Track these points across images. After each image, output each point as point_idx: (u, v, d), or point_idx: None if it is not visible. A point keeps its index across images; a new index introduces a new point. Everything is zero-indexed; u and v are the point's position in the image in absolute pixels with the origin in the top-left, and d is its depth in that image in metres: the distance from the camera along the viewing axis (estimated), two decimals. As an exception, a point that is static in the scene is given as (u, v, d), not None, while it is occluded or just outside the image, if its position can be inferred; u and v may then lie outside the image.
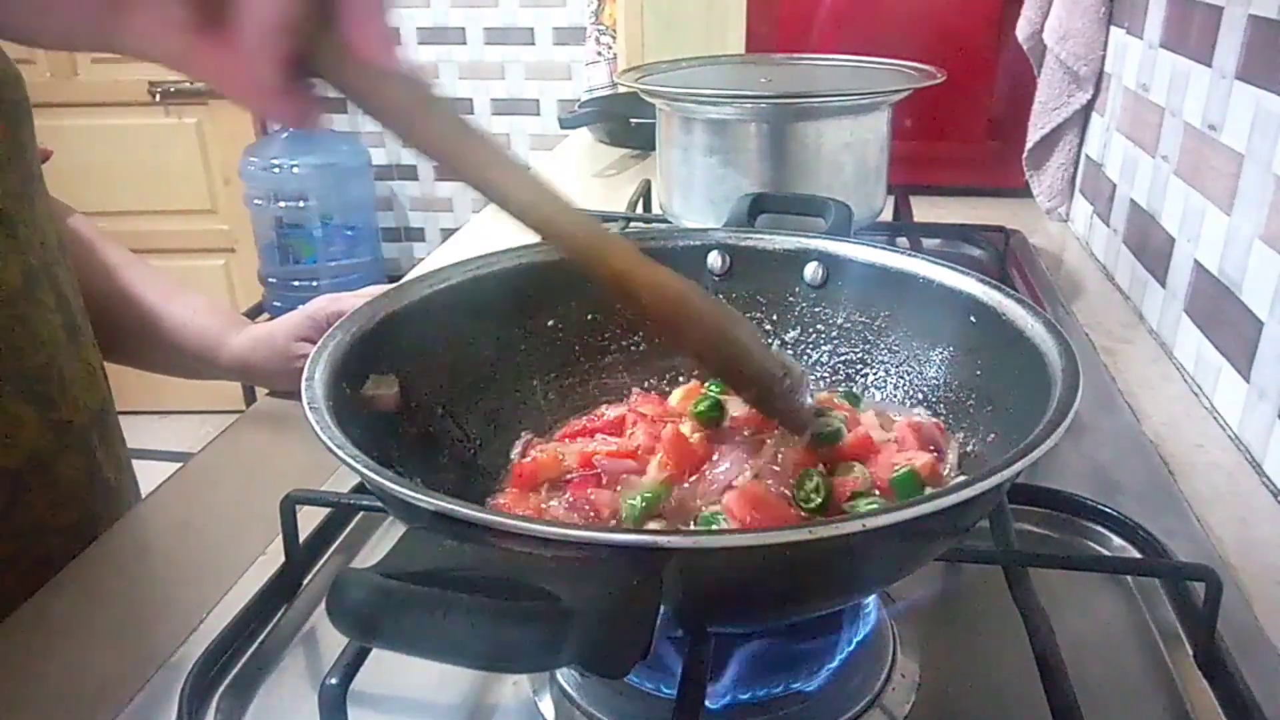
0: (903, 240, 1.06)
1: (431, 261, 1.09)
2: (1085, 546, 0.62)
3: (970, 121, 1.31)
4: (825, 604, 0.44)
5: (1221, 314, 0.78)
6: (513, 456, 0.56)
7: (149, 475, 0.80)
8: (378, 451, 0.40)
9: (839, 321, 0.61)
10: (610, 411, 0.57)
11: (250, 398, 1.89)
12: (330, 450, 0.39)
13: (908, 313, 0.58)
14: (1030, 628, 0.49)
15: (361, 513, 0.65)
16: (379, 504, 0.50)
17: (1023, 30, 1.21)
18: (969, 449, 0.52)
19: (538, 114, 2.75)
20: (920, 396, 0.57)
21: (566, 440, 0.55)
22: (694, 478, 0.49)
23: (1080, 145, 1.23)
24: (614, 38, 1.80)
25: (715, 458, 0.50)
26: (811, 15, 1.30)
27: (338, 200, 2.55)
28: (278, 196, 2.51)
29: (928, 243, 1.09)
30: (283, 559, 0.58)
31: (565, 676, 0.50)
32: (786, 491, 0.47)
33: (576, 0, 2.57)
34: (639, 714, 0.47)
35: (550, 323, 0.61)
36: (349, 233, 2.62)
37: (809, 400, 0.50)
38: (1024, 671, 0.47)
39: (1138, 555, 0.59)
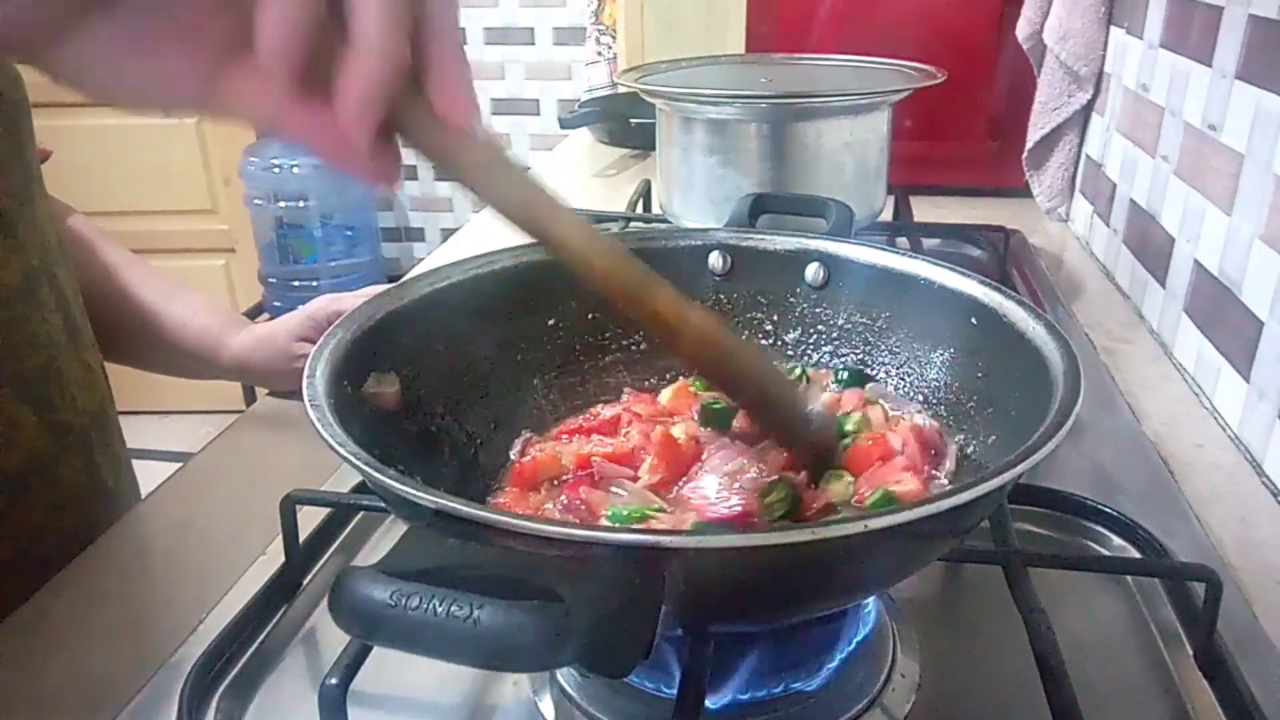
0: (903, 240, 1.06)
1: (431, 261, 1.09)
2: (1085, 546, 0.62)
3: (970, 121, 1.31)
4: (826, 604, 0.44)
5: (1221, 314, 0.78)
6: (512, 455, 0.56)
7: (149, 475, 0.79)
8: (379, 450, 0.40)
9: (840, 322, 0.61)
10: (605, 411, 0.58)
11: (250, 398, 1.89)
12: (331, 448, 0.39)
13: (909, 314, 0.58)
14: (1030, 628, 0.49)
15: (362, 512, 0.64)
16: (379, 504, 0.50)
17: (1023, 30, 1.21)
18: (970, 450, 0.52)
19: (538, 114, 2.75)
20: (921, 398, 0.57)
21: (564, 438, 0.56)
22: (686, 480, 0.50)
23: (1080, 145, 1.23)
24: (614, 38, 1.80)
25: (705, 457, 0.51)
26: (811, 15, 1.30)
27: (338, 200, 2.55)
28: (278, 196, 2.51)
29: (928, 243, 1.08)
30: (283, 559, 0.58)
31: (565, 676, 0.50)
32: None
33: (576, 0, 2.57)
34: (639, 714, 0.47)
35: (550, 322, 0.61)
36: (349, 233, 2.62)
37: (815, 410, 0.51)
38: (1024, 671, 0.47)
39: (1138, 555, 0.59)
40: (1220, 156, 0.80)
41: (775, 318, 0.63)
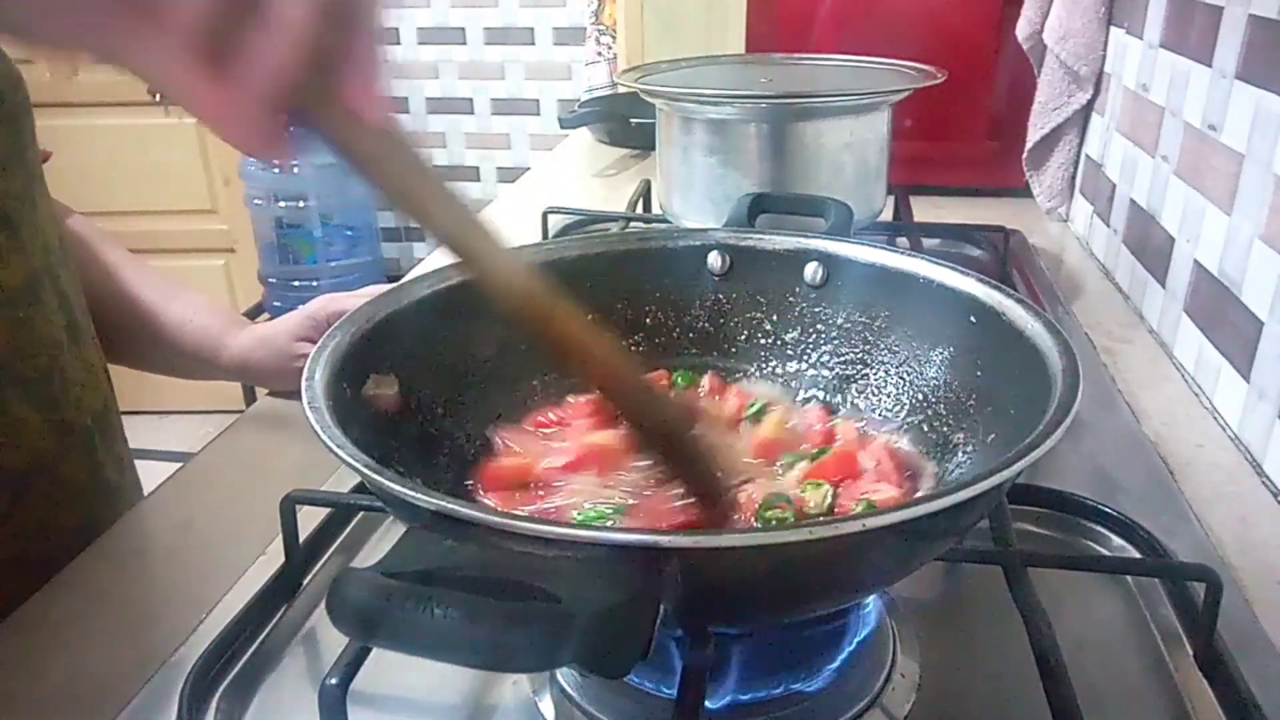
0: (903, 240, 1.06)
1: (431, 261, 1.09)
2: (1085, 546, 0.62)
3: (970, 121, 1.31)
4: (825, 604, 0.44)
5: (1221, 314, 0.78)
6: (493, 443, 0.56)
7: (149, 475, 0.80)
8: (378, 451, 0.40)
9: (839, 322, 0.61)
10: (552, 414, 0.58)
11: (250, 398, 1.88)
12: (330, 450, 0.39)
13: (908, 313, 0.58)
14: (1030, 628, 0.49)
15: (361, 513, 0.65)
16: (379, 504, 0.50)
17: (1023, 30, 1.21)
18: (969, 449, 0.52)
19: (538, 114, 2.75)
20: (920, 397, 0.57)
21: (530, 429, 0.56)
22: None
23: (1080, 145, 1.23)
24: (614, 38, 1.80)
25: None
26: (811, 15, 1.30)
27: (338, 200, 2.55)
28: (278, 196, 2.51)
29: (928, 243, 1.08)
30: (283, 559, 0.58)
31: (565, 676, 0.50)
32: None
33: (576, 0, 2.57)
34: (639, 714, 0.47)
35: (550, 323, 0.61)
36: (349, 233, 2.61)
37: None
38: (1024, 671, 0.47)
39: (1138, 555, 0.59)
40: (1220, 156, 0.80)
41: (775, 317, 0.63)
